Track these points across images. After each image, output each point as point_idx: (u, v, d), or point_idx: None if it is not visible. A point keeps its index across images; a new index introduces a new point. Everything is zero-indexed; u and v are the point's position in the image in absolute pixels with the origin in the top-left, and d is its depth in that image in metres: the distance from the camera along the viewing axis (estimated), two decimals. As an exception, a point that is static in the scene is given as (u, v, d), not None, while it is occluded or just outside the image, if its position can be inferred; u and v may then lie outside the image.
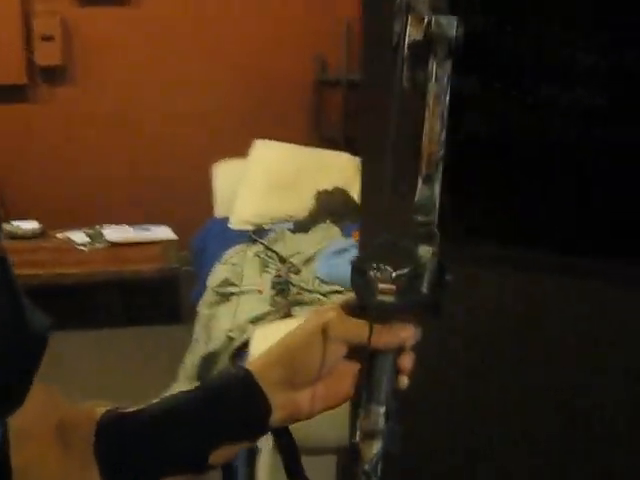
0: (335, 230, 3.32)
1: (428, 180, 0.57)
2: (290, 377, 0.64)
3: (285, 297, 2.78)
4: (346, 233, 3.28)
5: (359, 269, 0.57)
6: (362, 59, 1.59)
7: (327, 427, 1.84)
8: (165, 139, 4.02)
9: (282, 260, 3.11)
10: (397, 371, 0.61)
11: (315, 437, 1.86)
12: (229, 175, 3.86)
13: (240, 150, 3.77)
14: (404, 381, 0.61)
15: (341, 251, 3.03)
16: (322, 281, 2.89)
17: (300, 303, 2.74)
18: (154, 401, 0.64)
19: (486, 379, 1.52)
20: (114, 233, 3.81)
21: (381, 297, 0.57)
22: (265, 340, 2.33)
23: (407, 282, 0.56)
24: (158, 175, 4.01)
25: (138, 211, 3.97)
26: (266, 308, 2.66)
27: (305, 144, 3.86)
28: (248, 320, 2.53)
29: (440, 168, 0.57)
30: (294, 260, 3.10)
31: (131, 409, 0.63)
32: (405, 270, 0.56)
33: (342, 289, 2.80)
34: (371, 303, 0.57)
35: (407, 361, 0.61)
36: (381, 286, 0.57)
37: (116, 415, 0.63)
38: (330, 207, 3.51)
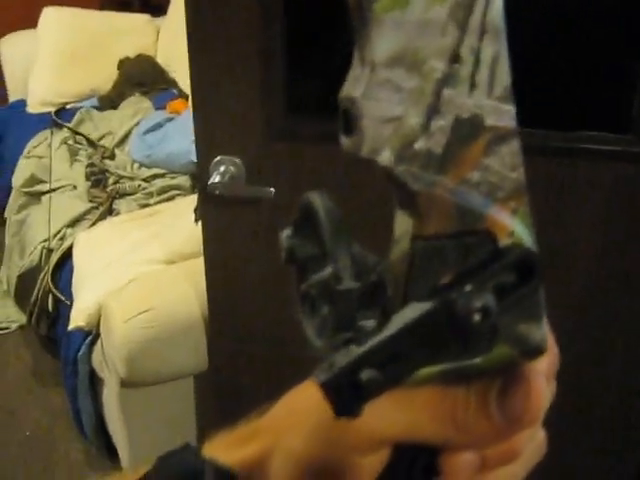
0: (146, 103, 3.03)
1: None
2: None
3: (104, 189, 2.53)
4: (158, 105, 3.00)
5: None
6: None
7: (184, 353, 1.71)
8: None
9: (92, 144, 2.81)
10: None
11: (171, 363, 1.73)
12: (18, 50, 3.40)
13: (28, 20, 3.31)
14: None
15: (156, 127, 2.77)
16: (141, 164, 2.65)
17: (122, 194, 2.50)
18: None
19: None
20: None
21: None
22: (89, 246, 2.14)
23: None
24: None
25: None
26: (84, 206, 2.41)
27: (99, 8, 3.44)
28: (65, 224, 2.29)
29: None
30: (106, 143, 2.82)
31: None
32: None
33: (163, 172, 2.58)
34: None
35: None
36: None
37: None
38: (136, 76, 3.19)
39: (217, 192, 1.35)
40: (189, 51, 1.28)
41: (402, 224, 0.31)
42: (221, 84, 1.31)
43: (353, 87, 0.30)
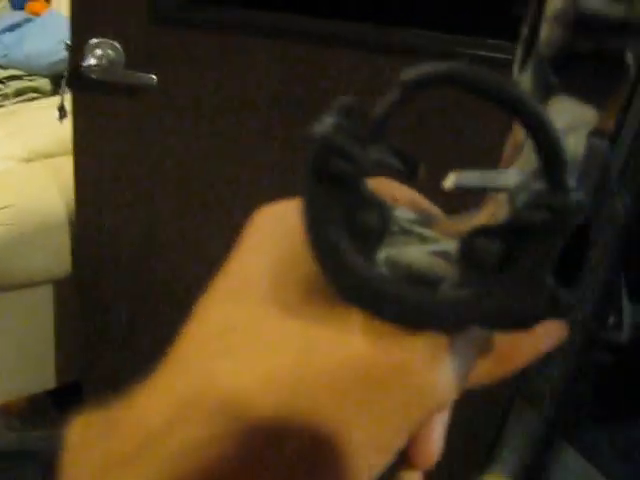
0: (2, 3, 2.80)
1: None
2: None
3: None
4: (16, 5, 2.78)
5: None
6: None
7: (46, 255, 1.61)
8: None
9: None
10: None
11: (32, 265, 1.62)
12: None
13: None
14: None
15: (13, 27, 2.57)
16: (-4, 65, 2.45)
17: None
18: None
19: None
20: None
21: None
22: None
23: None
24: None
25: None
26: None
27: None
28: None
29: None
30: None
31: None
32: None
33: (21, 73, 2.40)
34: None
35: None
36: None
37: None
38: (-9, -28, 2.93)
39: (93, 76, 1.26)
40: None
41: (567, 114, 0.26)
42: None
43: None
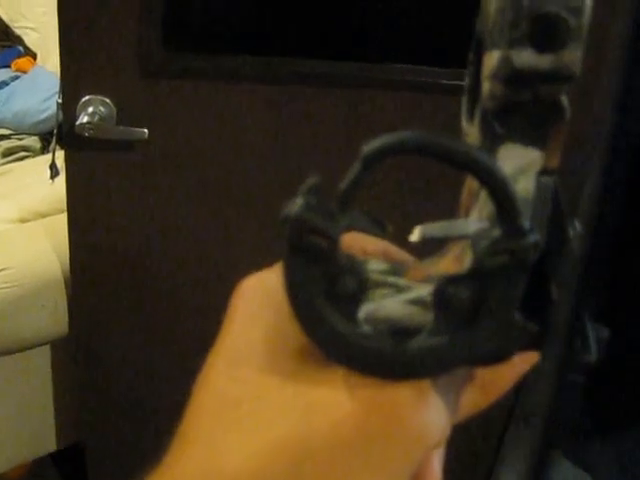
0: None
1: None
2: None
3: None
4: (2, 62, 2.78)
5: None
6: None
7: (43, 315, 1.58)
8: None
9: None
10: None
11: (30, 327, 1.59)
12: None
13: None
14: None
15: (1, 85, 2.57)
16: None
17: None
18: None
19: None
20: None
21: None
22: None
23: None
24: None
25: None
26: None
27: None
28: None
29: None
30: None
31: None
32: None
33: (10, 132, 2.40)
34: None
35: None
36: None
37: None
38: (-24, 32, 2.94)
39: (86, 134, 1.24)
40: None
41: (514, 159, 0.29)
42: (90, 17, 1.21)
43: None
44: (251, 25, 1.27)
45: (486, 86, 0.29)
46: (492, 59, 0.28)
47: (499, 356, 0.28)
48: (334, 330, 0.26)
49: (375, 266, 0.29)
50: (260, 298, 0.30)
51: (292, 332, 0.27)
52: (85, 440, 1.66)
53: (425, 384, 0.27)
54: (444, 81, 1.23)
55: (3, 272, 1.51)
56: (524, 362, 0.30)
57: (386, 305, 0.27)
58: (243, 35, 1.26)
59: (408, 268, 0.30)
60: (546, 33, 0.26)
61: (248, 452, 0.26)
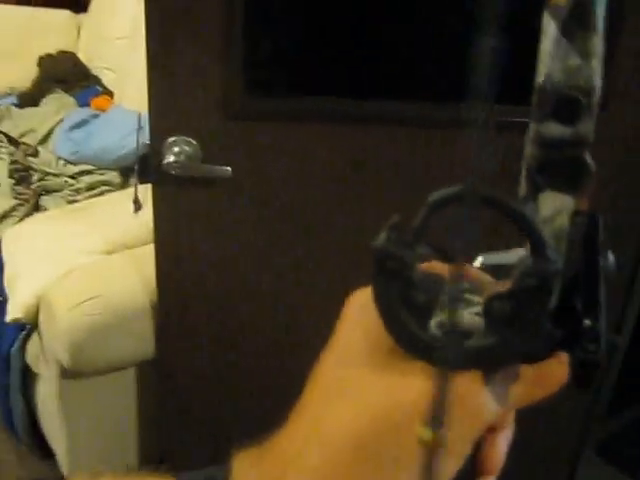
0: (69, 100, 2.96)
1: None
2: None
3: (28, 186, 2.45)
4: (82, 101, 2.94)
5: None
6: None
7: (130, 341, 1.68)
8: None
9: (14, 142, 2.72)
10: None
11: (117, 351, 1.69)
12: None
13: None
14: None
15: (81, 123, 2.71)
16: (67, 161, 2.58)
17: (47, 190, 2.44)
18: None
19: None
20: None
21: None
22: (19, 241, 2.07)
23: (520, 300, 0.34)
24: None
25: None
26: (8, 203, 2.33)
27: (16, 3, 3.34)
28: (-8, 222, 2.21)
29: None
30: (28, 140, 2.73)
31: None
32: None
33: (91, 168, 2.53)
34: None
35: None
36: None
37: None
38: (57, 73, 3.11)
39: (173, 172, 1.34)
40: (146, 26, 1.27)
41: (552, 203, 0.38)
42: (176, 63, 1.31)
43: (590, 76, 0.35)
44: (326, 68, 1.35)
45: (527, 149, 0.38)
46: (530, 130, 0.38)
47: (533, 356, 0.37)
48: (410, 332, 0.35)
49: (460, 285, 0.36)
50: (362, 307, 0.39)
51: (383, 333, 0.36)
52: (165, 456, 1.74)
53: (478, 375, 0.36)
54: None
55: (93, 300, 1.61)
56: (562, 366, 0.38)
57: (457, 314, 0.35)
58: (318, 78, 1.35)
59: (484, 288, 0.38)
60: (565, 110, 0.36)
61: (344, 420, 0.36)
